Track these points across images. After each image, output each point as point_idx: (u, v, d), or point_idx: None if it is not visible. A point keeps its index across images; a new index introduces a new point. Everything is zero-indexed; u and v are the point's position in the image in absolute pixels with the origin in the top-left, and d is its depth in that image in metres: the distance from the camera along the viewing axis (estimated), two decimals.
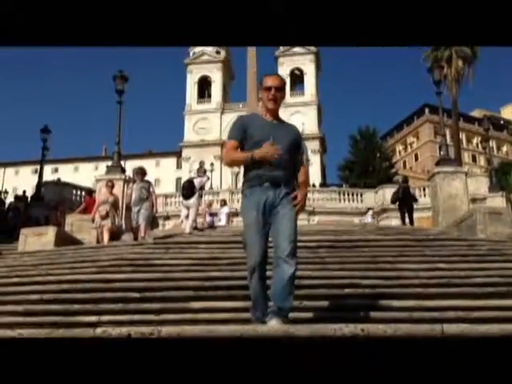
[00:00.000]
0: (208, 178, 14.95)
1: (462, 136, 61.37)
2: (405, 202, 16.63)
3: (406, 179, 18.76)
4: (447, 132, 30.76)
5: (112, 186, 12.19)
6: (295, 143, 3.88)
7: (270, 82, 3.83)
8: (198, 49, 61.55)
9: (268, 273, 3.75)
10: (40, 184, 23.39)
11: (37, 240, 10.12)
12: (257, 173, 3.74)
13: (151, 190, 11.46)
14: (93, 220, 11.88)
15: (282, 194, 3.72)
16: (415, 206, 17.09)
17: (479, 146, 68.34)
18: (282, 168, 3.74)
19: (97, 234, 11.63)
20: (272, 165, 3.69)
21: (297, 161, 3.90)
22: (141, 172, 11.57)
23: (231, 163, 3.96)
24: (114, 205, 11.97)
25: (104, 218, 11.57)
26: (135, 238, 10.98)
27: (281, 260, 3.57)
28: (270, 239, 3.76)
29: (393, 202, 17.50)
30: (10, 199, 25.53)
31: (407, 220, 16.42)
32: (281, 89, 3.86)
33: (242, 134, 3.77)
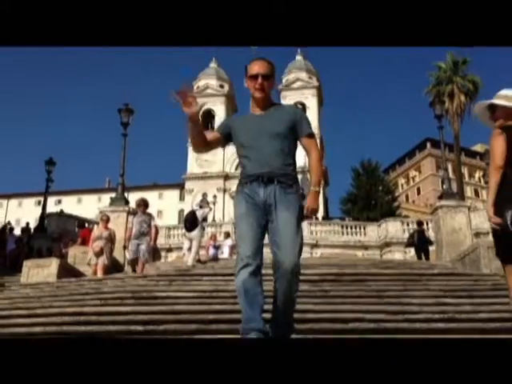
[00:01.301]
0: (210, 209, 14.94)
1: (464, 170, 61.57)
2: (420, 246, 16.39)
3: (420, 222, 18.36)
4: (449, 166, 30.89)
5: (107, 220, 11.49)
6: (291, 126, 3.27)
7: (255, 68, 3.28)
8: (201, 82, 62.46)
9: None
10: (43, 215, 23.43)
11: (40, 272, 10.08)
12: (246, 171, 3.27)
13: (152, 223, 10.91)
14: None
15: (276, 192, 3.16)
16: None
17: (481, 180, 68.65)
18: (274, 160, 3.20)
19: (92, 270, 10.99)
20: (260, 159, 3.20)
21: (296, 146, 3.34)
22: (143, 204, 11.02)
23: (191, 143, 3.39)
24: (110, 239, 11.23)
25: (98, 254, 10.91)
26: (133, 271, 10.62)
27: (280, 276, 3.09)
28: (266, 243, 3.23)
29: (407, 246, 17.21)
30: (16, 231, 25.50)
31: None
32: (269, 76, 3.30)
33: (225, 130, 3.39)
